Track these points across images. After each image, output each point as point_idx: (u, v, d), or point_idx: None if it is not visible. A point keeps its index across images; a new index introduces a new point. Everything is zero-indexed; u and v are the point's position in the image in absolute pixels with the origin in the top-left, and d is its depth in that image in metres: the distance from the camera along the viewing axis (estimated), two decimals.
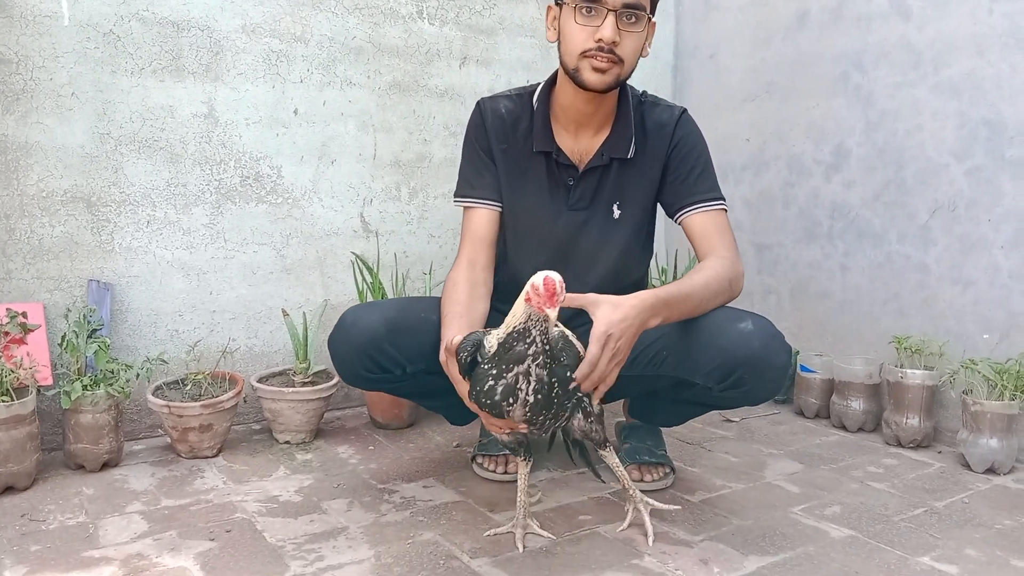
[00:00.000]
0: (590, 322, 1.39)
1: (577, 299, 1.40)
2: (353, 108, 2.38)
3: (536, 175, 1.75)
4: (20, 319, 1.89)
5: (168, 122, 2.12)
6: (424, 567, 1.45)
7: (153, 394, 2.01)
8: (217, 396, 2.01)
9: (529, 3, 2.65)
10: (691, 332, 1.57)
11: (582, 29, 1.56)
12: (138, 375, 1.96)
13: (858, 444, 2.23)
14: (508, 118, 1.75)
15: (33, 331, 1.91)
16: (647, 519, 1.58)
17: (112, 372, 1.91)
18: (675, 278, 2.52)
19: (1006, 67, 2.07)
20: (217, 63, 2.17)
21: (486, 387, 1.37)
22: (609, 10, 1.53)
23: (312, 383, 2.17)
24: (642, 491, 1.66)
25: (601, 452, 1.56)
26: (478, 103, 1.79)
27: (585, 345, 1.39)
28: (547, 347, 1.34)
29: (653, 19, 1.61)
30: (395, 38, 2.42)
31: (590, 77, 1.58)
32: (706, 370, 1.56)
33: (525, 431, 1.47)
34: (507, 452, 1.85)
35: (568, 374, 1.38)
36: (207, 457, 2.00)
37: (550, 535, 1.59)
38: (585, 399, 1.46)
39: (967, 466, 2.02)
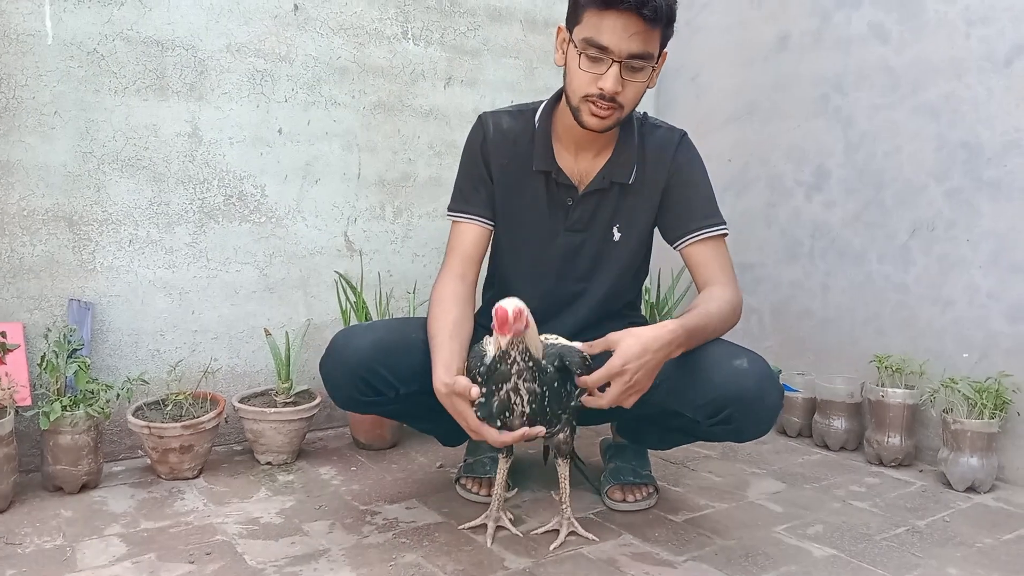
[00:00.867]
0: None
1: (599, 344, 1.51)
2: (338, 128, 2.39)
3: (534, 194, 1.75)
4: None
5: (151, 141, 2.11)
6: None
7: (133, 415, 1.99)
8: (198, 417, 1.99)
9: (514, 25, 2.67)
10: (686, 364, 1.56)
11: (586, 74, 1.55)
12: (118, 395, 1.94)
13: (840, 463, 2.24)
14: (509, 134, 1.75)
15: (12, 351, 1.89)
16: (563, 531, 1.65)
17: (92, 392, 1.89)
18: (659, 297, 2.53)
19: (983, 90, 2.10)
20: (201, 82, 2.17)
21: (483, 405, 1.50)
22: (615, 60, 1.52)
23: (294, 403, 2.16)
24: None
25: (559, 460, 1.66)
26: (480, 117, 1.78)
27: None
28: (530, 363, 1.45)
29: (665, 51, 1.59)
30: (380, 58, 2.44)
31: (589, 120, 1.60)
32: (697, 404, 1.56)
33: (544, 433, 1.54)
34: (491, 475, 1.85)
35: (568, 386, 1.53)
36: (187, 478, 1.98)
37: (518, 531, 1.68)
38: (574, 417, 1.59)
39: (948, 484, 2.03)
